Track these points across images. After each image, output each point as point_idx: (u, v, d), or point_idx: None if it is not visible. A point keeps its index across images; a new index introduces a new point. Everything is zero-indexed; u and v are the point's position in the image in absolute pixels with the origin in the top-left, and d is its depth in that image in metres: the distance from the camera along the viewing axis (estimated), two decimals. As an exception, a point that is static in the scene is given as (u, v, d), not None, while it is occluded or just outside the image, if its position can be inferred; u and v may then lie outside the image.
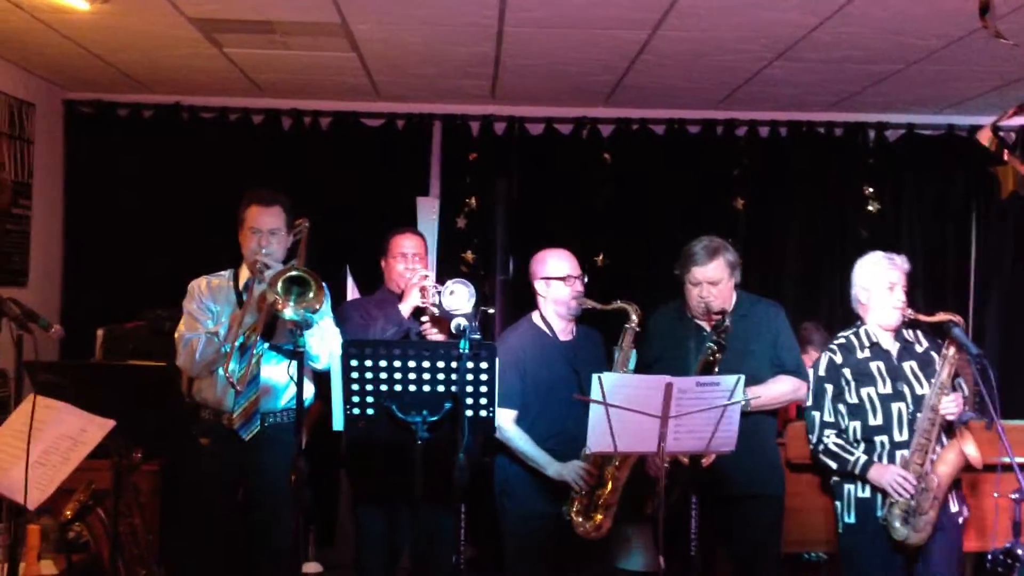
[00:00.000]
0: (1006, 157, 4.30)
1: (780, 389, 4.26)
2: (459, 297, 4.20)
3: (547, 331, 4.39)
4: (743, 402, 3.67)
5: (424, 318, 4.40)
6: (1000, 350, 6.62)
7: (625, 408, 3.55)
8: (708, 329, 4.18)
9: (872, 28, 4.84)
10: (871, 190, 6.79)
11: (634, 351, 4.34)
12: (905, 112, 6.69)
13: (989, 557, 4.09)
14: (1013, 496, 3.93)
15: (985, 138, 3.84)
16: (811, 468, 4.58)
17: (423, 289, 4.30)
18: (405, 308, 4.32)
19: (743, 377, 3.65)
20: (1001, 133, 6.58)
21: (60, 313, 6.54)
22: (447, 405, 3.64)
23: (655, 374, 3.83)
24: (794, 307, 5.86)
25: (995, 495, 4.28)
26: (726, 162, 6.76)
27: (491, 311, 6.14)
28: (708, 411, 3.60)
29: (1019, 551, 3.92)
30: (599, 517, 4.16)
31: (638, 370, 4.33)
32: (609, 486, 4.16)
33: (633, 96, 6.38)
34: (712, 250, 4.23)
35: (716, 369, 4.01)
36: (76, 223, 6.64)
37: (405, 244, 4.55)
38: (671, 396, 3.55)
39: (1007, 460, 3.92)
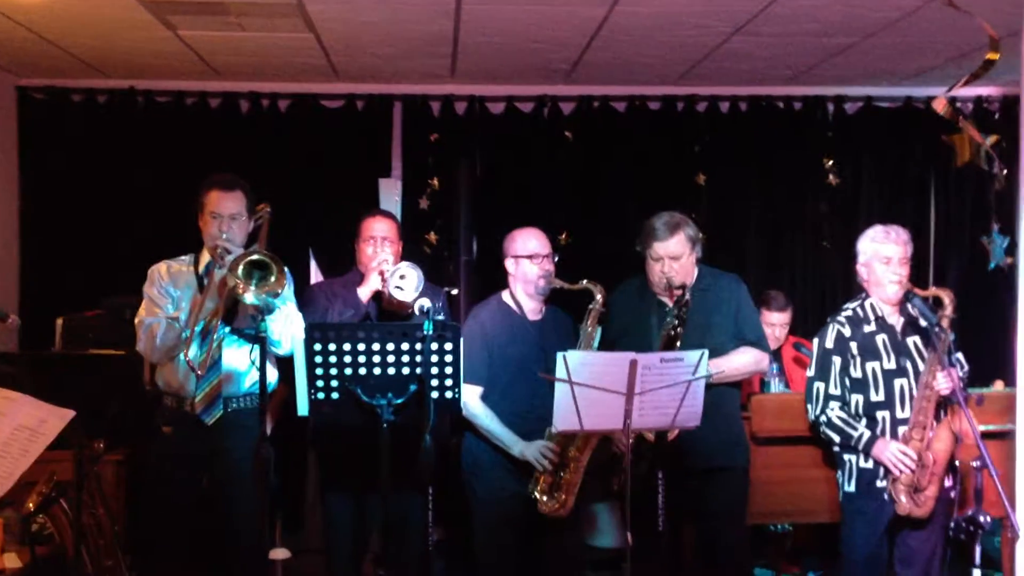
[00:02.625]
0: (961, 125, 4.31)
1: (742, 360, 4.28)
2: (409, 282, 4.16)
3: (516, 309, 4.39)
4: (707, 377, 3.69)
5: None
6: (958, 319, 6.68)
7: (590, 386, 3.55)
8: (670, 304, 4.19)
9: (828, 1, 4.85)
10: (831, 163, 6.84)
11: (599, 330, 4.36)
12: (863, 85, 6.73)
13: (952, 525, 4.14)
14: (974, 464, 3.98)
15: (940, 107, 3.85)
16: (776, 441, 4.63)
17: (382, 273, 4.26)
18: (364, 292, 4.28)
19: (707, 352, 3.66)
20: (957, 103, 6.64)
21: (18, 303, 6.45)
22: (412, 387, 3.63)
23: (618, 351, 3.85)
24: (756, 281, 5.89)
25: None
26: (687, 138, 6.78)
27: (455, 292, 6.13)
28: (673, 387, 3.62)
29: (981, 518, 3.97)
30: (563, 496, 4.17)
31: (601, 347, 4.35)
32: (572, 466, 4.17)
33: (594, 73, 6.37)
34: (673, 225, 4.23)
35: (679, 344, 4.02)
36: (32, 211, 6.54)
37: (375, 227, 4.48)
38: (636, 373, 3.56)
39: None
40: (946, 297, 4.19)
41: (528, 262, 4.35)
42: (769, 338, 5.16)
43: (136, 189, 6.43)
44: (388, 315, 4.35)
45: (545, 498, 4.18)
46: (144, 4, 4.89)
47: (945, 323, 4.14)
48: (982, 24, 3.31)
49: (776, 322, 5.52)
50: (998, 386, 4.92)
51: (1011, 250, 6.39)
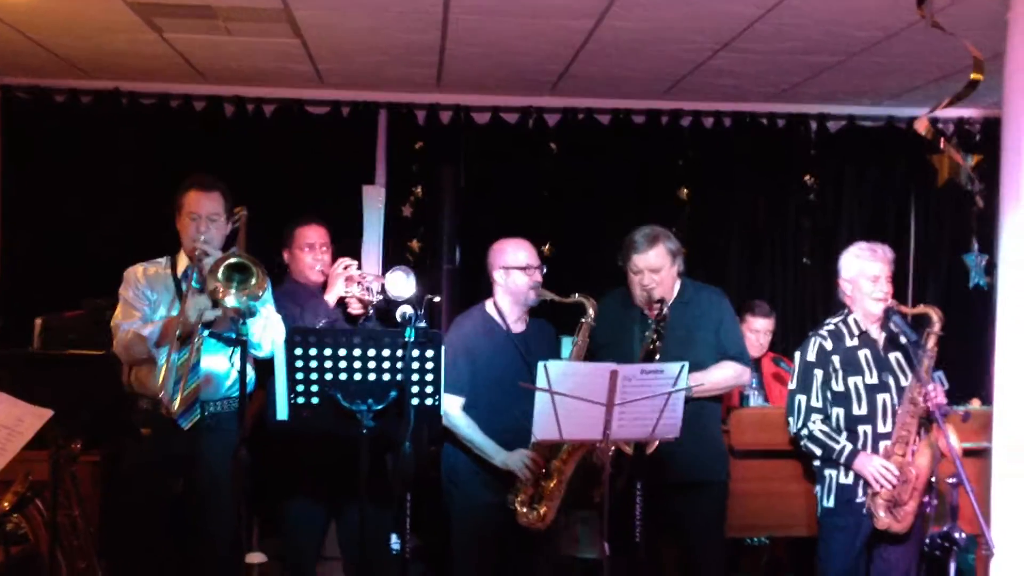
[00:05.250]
0: (942, 146, 4.37)
1: (723, 375, 4.28)
2: (400, 285, 4.18)
3: (500, 321, 4.37)
4: (687, 389, 3.70)
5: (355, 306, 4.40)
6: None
7: (570, 396, 3.56)
8: (652, 317, 4.20)
9: (813, 19, 4.90)
10: (813, 180, 6.89)
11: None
12: (846, 104, 6.79)
13: (927, 541, 4.16)
14: (950, 481, 4.00)
15: (922, 127, 3.88)
16: (755, 455, 4.64)
17: (349, 279, 4.28)
18: (331, 298, 4.30)
19: (687, 364, 3.67)
20: (939, 124, 6.72)
21: (-4, 302, 6.41)
22: (393, 394, 3.62)
23: (601, 360, 3.85)
24: (737, 295, 5.91)
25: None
26: (671, 152, 6.81)
27: (437, 300, 6.12)
28: (653, 398, 3.62)
29: (956, 534, 3.99)
30: (543, 508, 4.14)
31: (584, 357, 4.34)
32: (555, 478, 4.15)
33: (579, 85, 6.39)
34: (652, 238, 4.24)
35: (657, 357, 4.02)
36: (13, 210, 6.51)
37: (310, 235, 4.53)
38: (616, 383, 3.56)
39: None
40: (934, 314, 4.22)
41: (520, 273, 4.31)
42: (752, 345, 5.21)
43: (119, 190, 6.41)
44: (351, 321, 4.38)
45: (525, 509, 4.14)
46: (130, 6, 4.88)
47: (932, 340, 4.17)
48: (967, 46, 3.34)
49: (760, 328, 5.55)
50: (974, 404, 4.95)
51: (990, 269, 6.45)
